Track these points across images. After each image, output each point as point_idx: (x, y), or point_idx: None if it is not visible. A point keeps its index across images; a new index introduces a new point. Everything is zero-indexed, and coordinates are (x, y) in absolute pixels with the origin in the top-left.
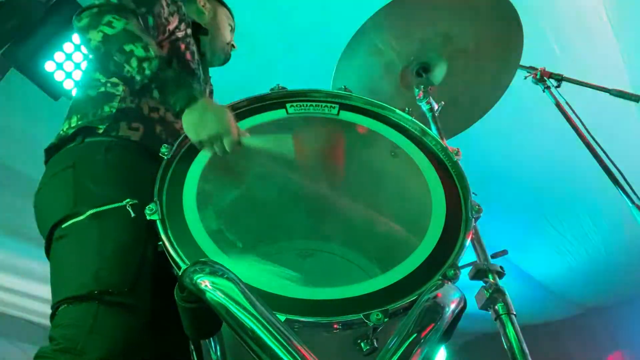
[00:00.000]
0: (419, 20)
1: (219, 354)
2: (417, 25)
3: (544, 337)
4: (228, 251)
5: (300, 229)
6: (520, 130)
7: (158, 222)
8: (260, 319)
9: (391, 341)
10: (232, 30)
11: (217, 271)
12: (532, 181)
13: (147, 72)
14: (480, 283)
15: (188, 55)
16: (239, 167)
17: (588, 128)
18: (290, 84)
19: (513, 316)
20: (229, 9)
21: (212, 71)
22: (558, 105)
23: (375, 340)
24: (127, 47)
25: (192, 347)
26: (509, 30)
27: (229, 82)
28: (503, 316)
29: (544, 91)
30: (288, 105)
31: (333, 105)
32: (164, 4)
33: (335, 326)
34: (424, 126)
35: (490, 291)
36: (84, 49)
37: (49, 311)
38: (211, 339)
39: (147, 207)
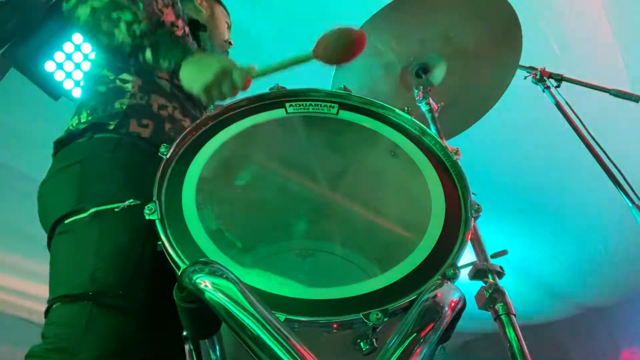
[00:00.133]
0: (418, 21)
1: (218, 354)
2: (416, 26)
3: (544, 337)
4: (227, 251)
5: (300, 228)
6: (520, 130)
7: (157, 222)
8: (260, 319)
9: (391, 341)
10: (229, 27)
11: (217, 271)
12: (532, 181)
13: (138, 33)
14: (480, 283)
15: None
16: (238, 166)
17: (588, 128)
18: (289, 84)
19: (513, 316)
20: (224, 7)
21: None
22: (558, 105)
23: (374, 340)
24: (115, 15)
25: (190, 347)
26: (508, 31)
27: None
28: (503, 316)
29: (543, 91)
30: (287, 104)
31: (332, 104)
32: None
33: (334, 326)
34: (423, 126)
35: (490, 291)
36: (84, 49)
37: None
38: (210, 339)
39: (146, 207)
